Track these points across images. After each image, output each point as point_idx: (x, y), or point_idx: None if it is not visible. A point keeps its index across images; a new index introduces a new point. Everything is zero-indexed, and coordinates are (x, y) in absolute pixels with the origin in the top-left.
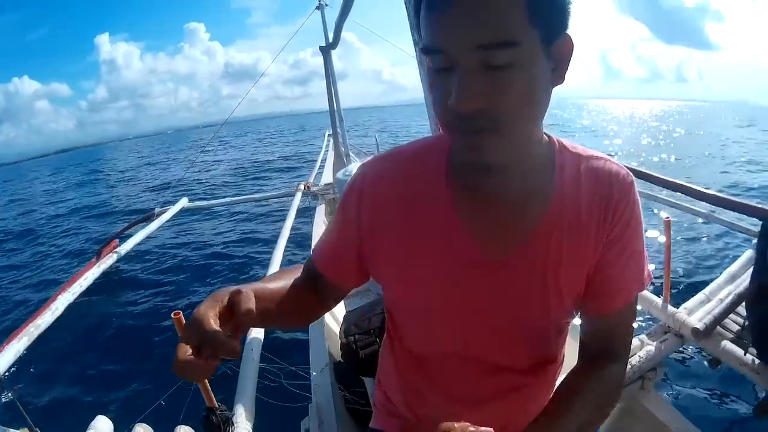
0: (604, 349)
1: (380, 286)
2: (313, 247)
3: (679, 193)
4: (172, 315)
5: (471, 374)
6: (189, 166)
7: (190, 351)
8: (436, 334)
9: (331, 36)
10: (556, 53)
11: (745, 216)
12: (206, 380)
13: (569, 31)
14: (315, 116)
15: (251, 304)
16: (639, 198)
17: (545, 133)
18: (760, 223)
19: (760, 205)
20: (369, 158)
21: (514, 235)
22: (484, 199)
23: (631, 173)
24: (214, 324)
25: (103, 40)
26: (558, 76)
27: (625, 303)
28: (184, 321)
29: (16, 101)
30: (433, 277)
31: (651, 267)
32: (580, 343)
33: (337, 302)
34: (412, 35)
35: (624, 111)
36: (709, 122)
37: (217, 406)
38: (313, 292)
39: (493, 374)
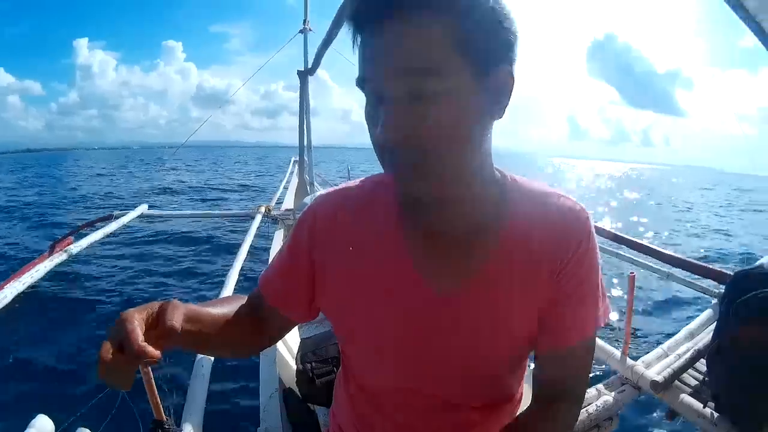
0: (559, 387)
1: None
2: (260, 276)
3: (643, 254)
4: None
5: (424, 410)
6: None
7: (112, 351)
8: (387, 369)
9: (310, 62)
10: (492, 86)
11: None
12: (155, 391)
13: (514, 66)
14: (282, 150)
15: (177, 319)
16: (594, 234)
17: (497, 169)
18: (718, 283)
19: (719, 269)
20: (322, 192)
21: (463, 271)
22: (433, 235)
23: (585, 210)
24: (138, 326)
25: (81, 44)
26: (497, 110)
27: (580, 340)
28: None
29: None
30: (384, 313)
31: (613, 316)
32: (534, 380)
33: (281, 335)
34: None
35: (587, 171)
36: (674, 185)
37: (165, 419)
38: (257, 322)
39: (447, 411)
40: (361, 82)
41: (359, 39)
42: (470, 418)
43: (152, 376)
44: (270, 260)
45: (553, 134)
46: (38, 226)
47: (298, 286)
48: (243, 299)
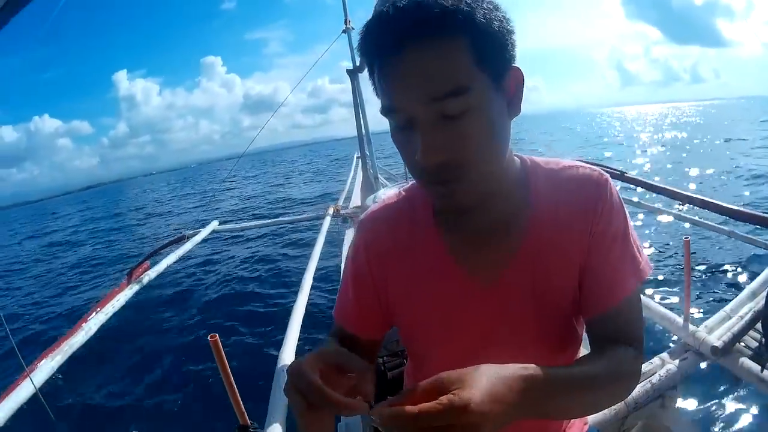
0: (614, 339)
1: None
2: (334, 310)
3: (700, 208)
4: (208, 338)
5: None
6: (212, 195)
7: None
8: (448, 359)
9: (358, 59)
10: (508, 88)
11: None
12: (238, 397)
13: (516, 63)
14: (336, 144)
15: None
16: (617, 193)
17: (516, 155)
18: None
19: None
20: (367, 213)
21: (501, 259)
22: (468, 232)
23: (604, 173)
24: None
25: (121, 77)
26: (514, 109)
27: (624, 297)
28: (220, 344)
29: (37, 139)
30: (437, 309)
31: (672, 277)
32: (590, 342)
33: (375, 357)
34: None
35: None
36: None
37: (249, 423)
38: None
39: None
40: (389, 111)
41: (377, 67)
42: None
43: (233, 382)
44: (343, 257)
45: (603, 85)
46: (114, 255)
47: (370, 305)
48: (333, 342)
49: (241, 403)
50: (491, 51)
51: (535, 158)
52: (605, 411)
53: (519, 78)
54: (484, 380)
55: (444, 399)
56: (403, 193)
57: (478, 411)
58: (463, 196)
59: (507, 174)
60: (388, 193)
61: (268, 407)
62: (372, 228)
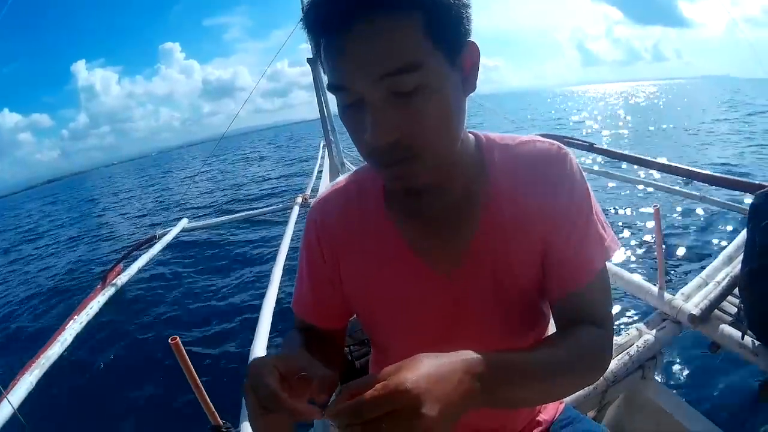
0: (579, 320)
1: None
2: (292, 303)
3: (670, 175)
4: (169, 341)
5: None
6: (187, 186)
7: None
8: (412, 348)
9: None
10: (464, 64)
11: (739, 193)
12: (207, 398)
13: (471, 38)
14: (296, 126)
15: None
16: (579, 167)
17: (470, 132)
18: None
19: (756, 182)
20: (317, 199)
21: (459, 244)
22: (423, 217)
23: (564, 147)
24: (278, 384)
25: (79, 67)
26: (470, 85)
27: (591, 278)
28: (182, 346)
29: None
30: (396, 300)
31: (644, 247)
32: (555, 323)
33: (342, 344)
34: None
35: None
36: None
37: (221, 423)
38: (320, 345)
39: None
40: (337, 89)
41: (324, 43)
42: None
43: (200, 383)
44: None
45: (566, 65)
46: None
47: (328, 293)
48: (297, 334)
49: (210, 403)
50: (446, 25)
51: (489, 134)
52: None
53: (475, 53)
54: (422, 364)
55: (379, 385)
56: (354, 176)
57: (415, 390)
58: (416, 178)
59: (462, 153)
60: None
61: (242, 405)
62: (322, 214)
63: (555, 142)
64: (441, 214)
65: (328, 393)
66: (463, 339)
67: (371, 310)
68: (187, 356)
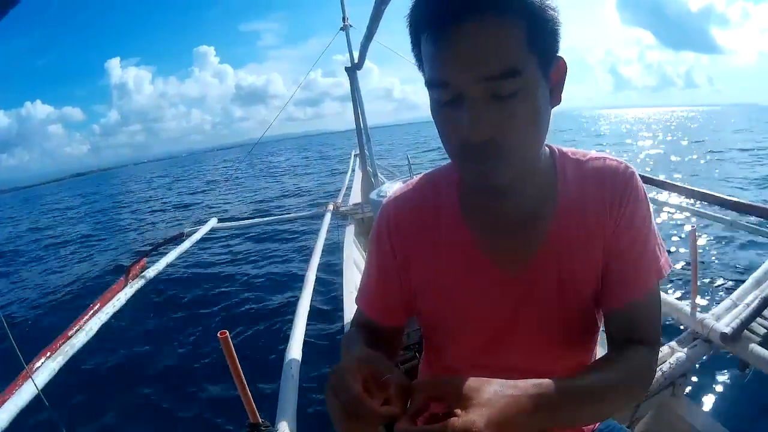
0: (631, 338)
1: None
2: (357, 298)
3: (702, 202)
4: (218, 335)
5: None
6: (219, 187)
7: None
8: (468, 350)
9: (356, 56)
10: (553, 76)
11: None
12: (249, 395)
13: (560, 54)
14: (328, 137)
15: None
16: (643, 188)
17: (546, 144)
18: None
19: None
20: (390, 195)
21: (526, 250)
22: (495, 220)
23: (630, 166)
24: (360, 389)
25: (113, 64)
26: (555, 98)
27: (644, 292)
28: (230, 341)
29: (29, 125)
30: (460, 299)
31: (680, 271)
32: (607, 338)
33: (398, 347)
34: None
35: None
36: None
37: (260, 421)
38: (378, 346)
39: None
40: (437, 84)
41: (428, 39)
42: None
43: (245, 380)
44: (344, 254)
45: (597, 88)
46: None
47: (394, 290)
48: (357, 333)
49: (252, 401)
50: (543, 37)
51: (562, 148)
52: None
53: (562, 68)
54: (492, 400)
55: (449, 422)
56: (425, 180)
57: None
58: (500, 176)
59: (539, 161)
60: (395, 185)
61: (278, 404)
62: (396, 209)
63: (623, 161)
64: (512, 218)
65: (404, 400)
66: (515, 345)
67: (434, 307)
68: (234, 351)
